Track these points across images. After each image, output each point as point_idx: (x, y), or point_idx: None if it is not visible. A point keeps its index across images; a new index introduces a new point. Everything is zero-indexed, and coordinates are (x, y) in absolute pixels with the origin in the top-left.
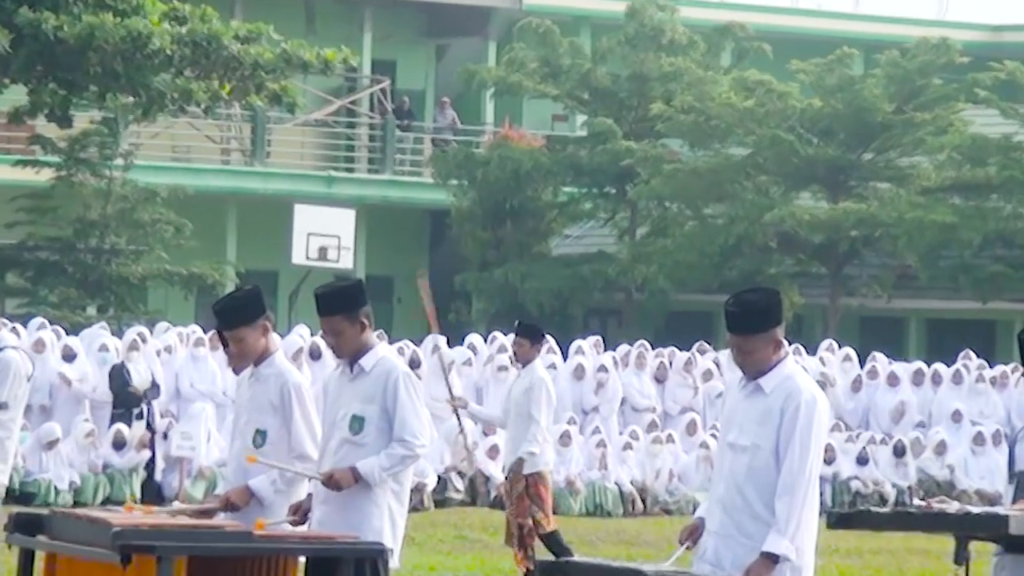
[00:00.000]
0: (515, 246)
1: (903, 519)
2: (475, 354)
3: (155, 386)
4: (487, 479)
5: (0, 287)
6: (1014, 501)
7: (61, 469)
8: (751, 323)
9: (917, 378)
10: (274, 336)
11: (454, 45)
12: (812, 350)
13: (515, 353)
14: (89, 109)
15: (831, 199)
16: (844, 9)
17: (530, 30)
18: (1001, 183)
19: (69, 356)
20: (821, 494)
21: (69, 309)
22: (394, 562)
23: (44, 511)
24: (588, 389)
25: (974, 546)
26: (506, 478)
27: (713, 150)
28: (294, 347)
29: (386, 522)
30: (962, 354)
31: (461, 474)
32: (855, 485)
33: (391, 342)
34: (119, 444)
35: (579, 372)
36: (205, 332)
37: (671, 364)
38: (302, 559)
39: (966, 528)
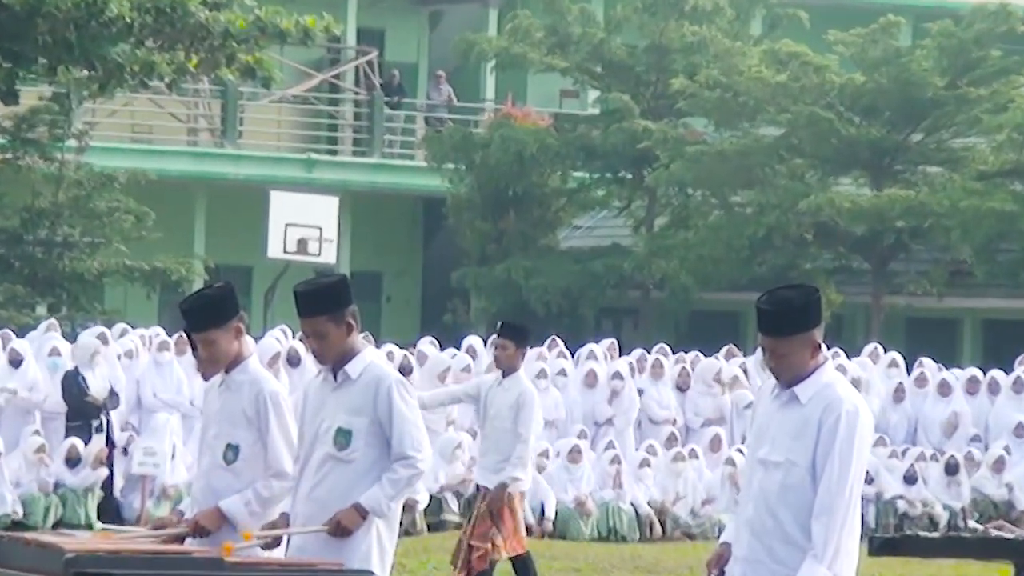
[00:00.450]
0: (518, 238)
1: (955, 545)
2: (474, 359)
3: (113, 395)
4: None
5: None
6: None
7: (3, 488)
8: (786, 324)
9: (971, 386)
10: (248, 339)
11: (450, 12)
12: (854, 355)
13: (497, 358)
14: (38, 84)
15: (875, 185)
16: None
17: None
18: None
19: (16, 361)
20: (863, 516)
21: (16, 308)
22: None
23: None
24: (601, 399)
25: None
26: (482, 497)
27: (741, 130)
28: (270, 352)
29: (374, 547)
30: (1022, 359)
31: (458, 494)
32: (902, 506)
33: (379, 345)
34: (73, 460)
35: (590, 379)
36: (170, 335)
37: (693, 370)
38: None
39: None
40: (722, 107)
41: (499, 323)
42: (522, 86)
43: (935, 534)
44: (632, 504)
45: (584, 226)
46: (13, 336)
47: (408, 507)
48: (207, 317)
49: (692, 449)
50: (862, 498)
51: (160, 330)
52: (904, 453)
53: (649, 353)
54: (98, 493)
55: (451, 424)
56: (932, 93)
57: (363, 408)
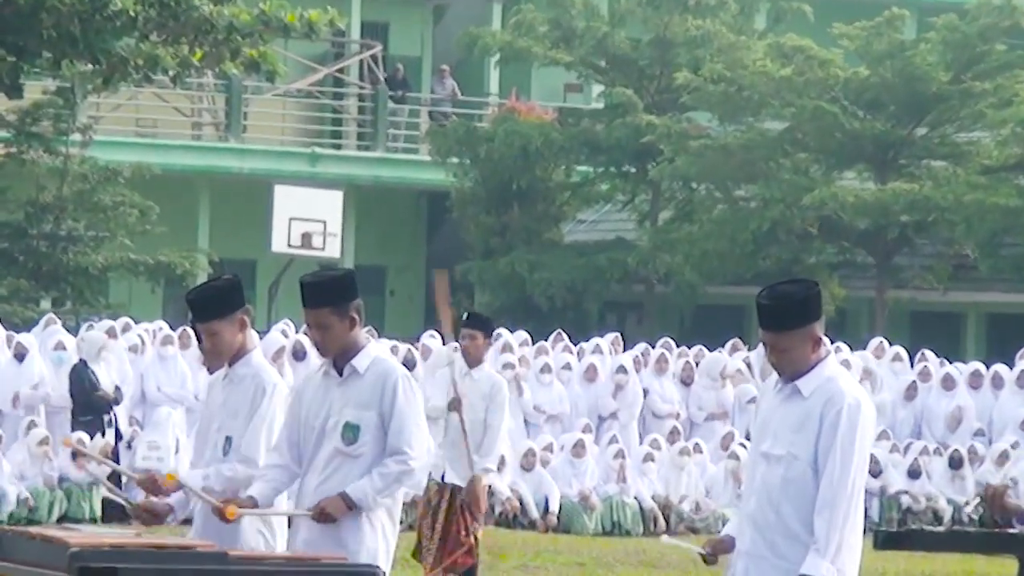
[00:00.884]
0: (523, 232)
1: (960, 539)
2: None
3: (117, 390)
4: (491, 494)
5: None
6: None
7: (7, 484)
8: (786, 318)
9: (975, 380)
10: (252, 333)
11: (454, 6)
12: (858, 349)
13: (466, 349)
14: (42, 78)
15: (879, 179)
16: None
17: None
18: None
19: (21, 355)
20: (867, 510)
21: (20, 303)
22: None
23: None
24: (605, 393)
25: None
26: (448, 493)
27: (746, 124)
28: (275, 345)
29: (380, 542)
30: None
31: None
32: (905, 501)
33: (384, 338)
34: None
35: (591, 374)
36: (173, 328)
37: (698, 365)
38: None
39: None
40: (726, 101)
41: (465, 314)
42: (526, 80)
43: (939, 528)
44: (636, 498)
45: (588, 220)
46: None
47: (413, 503)
48: (212, 308)
49: (696, 443)
50: (866, 492)
51: (163, 324)
52: (908, 447)
53: (653, 347)
54: (103, 488)
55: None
56: (936, 87)
57: (371, 402)
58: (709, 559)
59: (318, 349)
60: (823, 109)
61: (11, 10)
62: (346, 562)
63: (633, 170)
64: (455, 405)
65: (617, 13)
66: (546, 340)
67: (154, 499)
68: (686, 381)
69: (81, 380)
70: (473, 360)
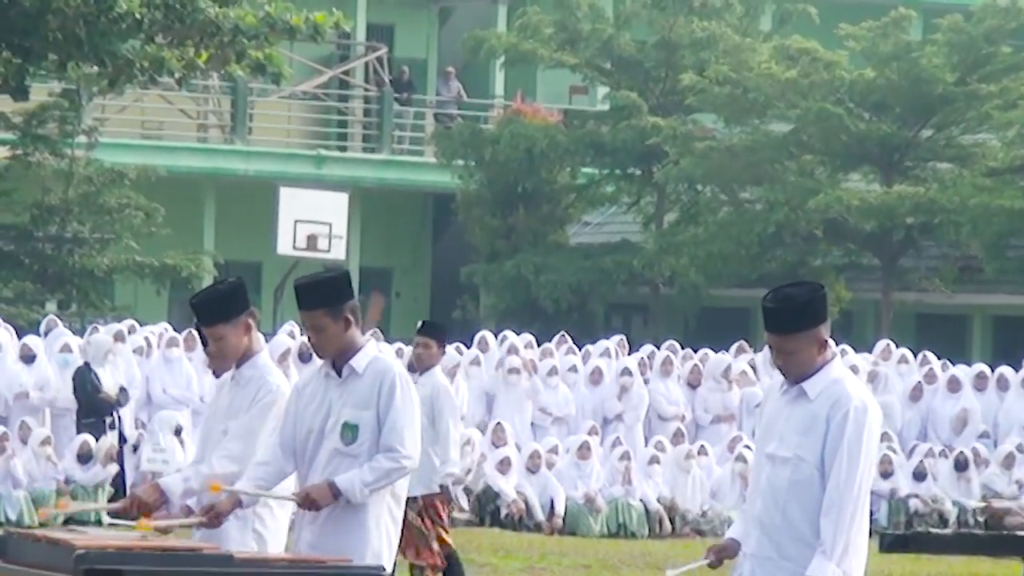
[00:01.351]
0: (528, 234)
1: (966, 542)
2: (483, 353)
3: (123, 391)
4: (496, 496)
5: None
6: None
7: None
8: (791, 321)
9: (980, 383)
10: (258, 335)
11: (459, 8)
12: (867, 351)
13: (418, 356)
14: (48, 80)
15: (884, 182)
16: None
17: None
18: None
19: (28, 357)
20: (875, 512)
21: (26, 305)
22: None
23: None
24: (610, 395)
25: None
26: (417, 500)
27: (751, 126)
28: (281, 348)
29: (384, 543)
30: None
31: (468, 490)
32: (912, 504)
33: (389, 340)
34: (84, 457)
35: (599, 376)
36: (179, 331)
37: (704, 368)
38: None
39: None
40: (731, 103)
41: (420, 322)
42: (531, 82)
43: (946, 531)
44: (641, 500)
45: (593, 222)
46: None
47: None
48: (216, 312)
49: (702, 445)
50: (875, 495)
51: (167, 326)
52: (913, 450)
53: (659, 349)
54: (108, 490)
55: (461, 419)
56: (942, 89)
57: (369, 401)
58: (713, 565)
59: (315, 350)
60: (828, 111)
61: (17, 12)
62: (351, 564)
63: (638, 172)
64: None
65: (622, 15)
66: (550, 342)
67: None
68: (692, 384)
69: (84, 382)
70: (422, 367)
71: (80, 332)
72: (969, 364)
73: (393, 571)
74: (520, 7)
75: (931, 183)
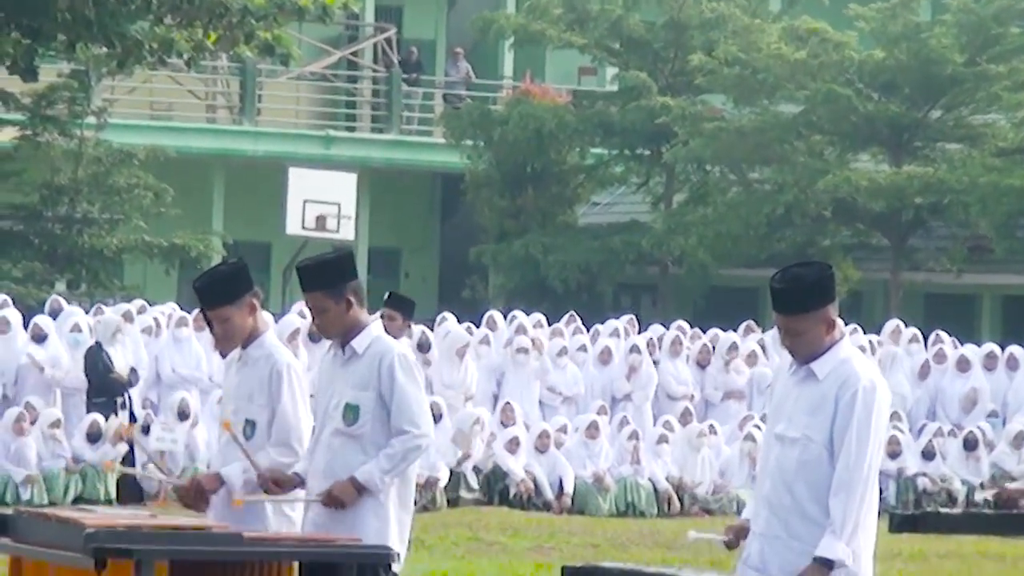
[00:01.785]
0: (537, 215)
1: (976, 521)
2: (492, 332)
3: (134, 372)
4: (504, 475)
5: None
6: None
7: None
8: (799, 301)
9: (990, 362)
10: (264, 315)
11: None
12: (875, 331)
13: (385, 328)
14: (57, 61)
15: (893, 162)
16: None
17: None
18: None
19: (39, 336)
20: (884, 492)
21: (35, 285)
22: (399, 567)
23: (8, 510)
24: (619, 374)
25: None
26: None
27: (760, 107)
28: (290, 328)
29: (392, 522)
30: None
31: (476, 470)
32: (921, 483)
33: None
34: (94, 436)
35: (608, 355)
36: (187, 311)
37: (714, 349)
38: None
39: None
40: (741, 84)
41: (387, 293)
42: (540, 63)
43: (955, 510)
44: (650, 479)
45: (602, 203)
46: (9, 303)
47: (429, 484)
48: (220, 294)
49: (711, 425)
50: (883, 474)
51: (175, 307)
52: (922, 429)
53: (667, 328)
54: (117, 469)
55: (469, 400)
56: (951, 70)
57: (368, 382)
58: (731, 544)
59: (319, 331)
60: (837, 92)
61: None
62: (360, 543)
63: (647, 153)
64: None
65: None
66: (559, 322)
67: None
68: (702, 363)
69: (95, 362)
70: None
71: (88, 312)
72: (978, 344)
73: (407, 552)
74: None
75: (940, 163)
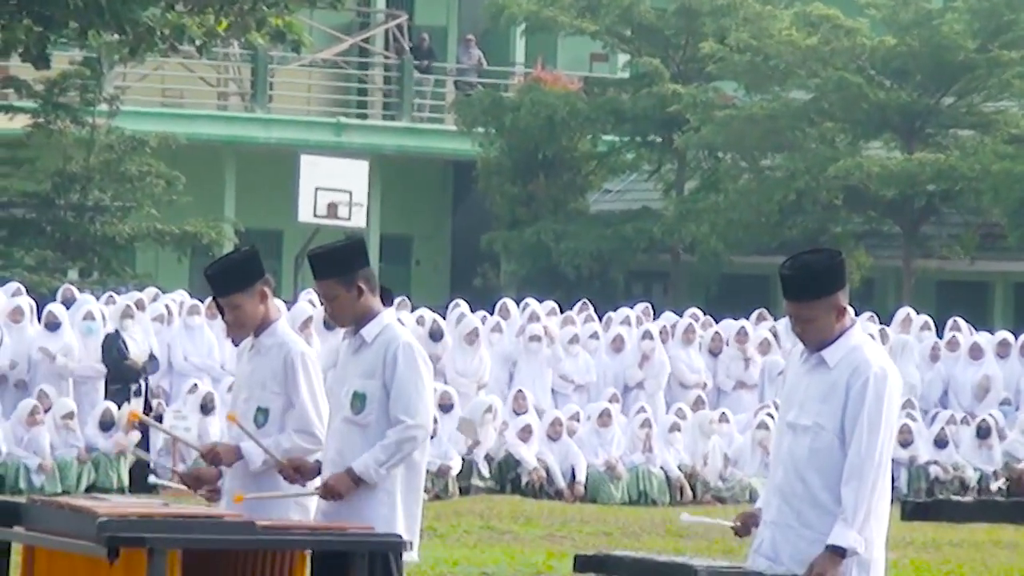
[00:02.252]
0: (548, 202)
1: (988, 509)
2: (505, 320)
3: (153, 359)
4: (516, 463)
5: None
6: None
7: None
8: (809, 288)
9: (1002, 349)
10: (276, 302)
11: None
12: (887, 319)
13: None
14: (69, 48)
15: (905, 149)
16: None
17: None
18: None
19: (52, 325)
20: (896, 480)
21: (47, 273)
22: (412, 555)
23: (21, 499)
24: (631, 362)
25: None
26: None
27: (772, 94)
28: (303, 315)
29: (399, 510)
30: None
31: (489, 458)
32: (933, 471)
33: (412, 309)
34: (107, 424)
35: (620, 343)
36: (200, 299)
37: (727, 339)
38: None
39: None
40: (752, 71)
41: None
42: (552, 50)
43: (967, 499)
44: (662, 468)
45: (614, 190)
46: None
47: (441, 472)
48: (231, 282)
49: (723, 413)
50: (895, 462)
51: (186, 295)
52: (935, 417)
53: (680, 316)
54: (130, 457)
55: (482, 388)
56: (963, 56)
57: (375, 371)
58: (740, 532)
59: (331, 319)
60: (849, 79)
61: None
62: (372, 531)
63: (659, 140)
64: None
65: None
66: (571, 310)
67: (203, 468)
68: (714, 351)
69: (111, 348)
70: None
71: (101, 300)
72: (991, 331)
73: (418, 540)
74: None
75: (952, 150)
